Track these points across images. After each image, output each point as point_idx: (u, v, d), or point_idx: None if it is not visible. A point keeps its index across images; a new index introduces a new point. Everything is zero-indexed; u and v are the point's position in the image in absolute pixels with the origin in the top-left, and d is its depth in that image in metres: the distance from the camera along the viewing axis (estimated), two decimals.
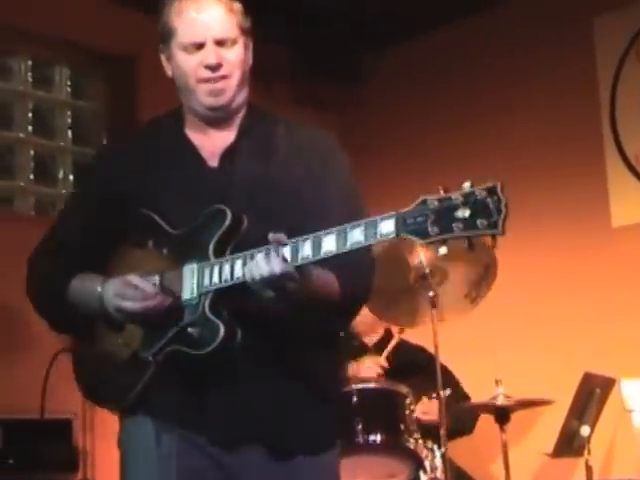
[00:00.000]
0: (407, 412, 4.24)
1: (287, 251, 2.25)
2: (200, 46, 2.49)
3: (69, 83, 5.76)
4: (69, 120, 5.73)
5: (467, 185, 2.09)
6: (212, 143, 2.57)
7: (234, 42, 2.52)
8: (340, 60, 6.35)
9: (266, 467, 2.44)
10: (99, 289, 2.47)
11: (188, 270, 2.42)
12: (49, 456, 4.58)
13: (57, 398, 4.57)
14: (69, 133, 5.73)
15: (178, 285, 2.42)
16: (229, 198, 2.45)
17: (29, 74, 5.58)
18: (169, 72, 2.58)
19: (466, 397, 4.87)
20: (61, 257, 2.59)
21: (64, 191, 5.56)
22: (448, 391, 4.38)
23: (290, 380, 2.47)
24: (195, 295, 2.39)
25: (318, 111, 6.43)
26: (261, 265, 2.25)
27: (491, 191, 2.05)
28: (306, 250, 2.24)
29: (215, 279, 2.36)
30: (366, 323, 5.03)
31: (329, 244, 2.22)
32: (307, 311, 2.40)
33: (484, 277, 4.48)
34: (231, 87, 2.52)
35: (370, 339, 5.07)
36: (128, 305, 2.41)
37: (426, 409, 4.54)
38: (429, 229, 2.09)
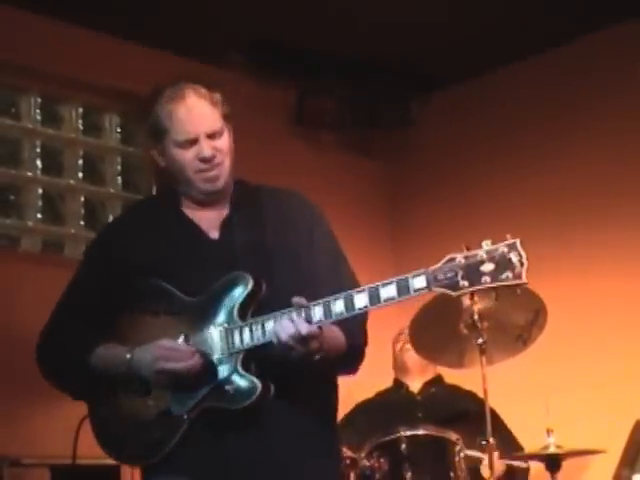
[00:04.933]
0: (457, 459, 4.18)
1: (317, 312, 2.49)
2: (194, 141, 2.73)
3: (119, 130, 5.82)
4: (119, 167, 5.79)
5: (489, 242, 2.36)
6: (208, 218, 2.82)
7: (221, 132, 2.77)
8: (386, 106, 6.36)
9: None
10: (128, 356, 2.67)
11: (215, 332, 2.64)
12: None
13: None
14: (119, 179, 5.78)
15: (205, 346, 2.64)
16: (234, 266, 2.68)
17: (79, 121, 5.65)
18: (162, 164, 2.82)
19: (519, 448, 4.78)
20: (77, 328, 2.79)
21: None
22: (492, 440, 4.26)
23: (307, 426, 2.69)
24: (226, 354, 2.62)
25: (365, 158, 6.46)
26: (286, 326, 2.48)
27: (512, 247, 2.33)
28: (338, 307, 2.49)
29: (247, 339, 2.60)
30: (416, 365, 5.02)
31: (361, 301, 2.47)
32: (321, 363, 2.60)
33: (534, 322, 4.46)
34: (224, 173, 2.78)
35: (415, 384, 5.05)
36: (171, 366, 2.60)
37: None
38: (460, 283, 2.37)
